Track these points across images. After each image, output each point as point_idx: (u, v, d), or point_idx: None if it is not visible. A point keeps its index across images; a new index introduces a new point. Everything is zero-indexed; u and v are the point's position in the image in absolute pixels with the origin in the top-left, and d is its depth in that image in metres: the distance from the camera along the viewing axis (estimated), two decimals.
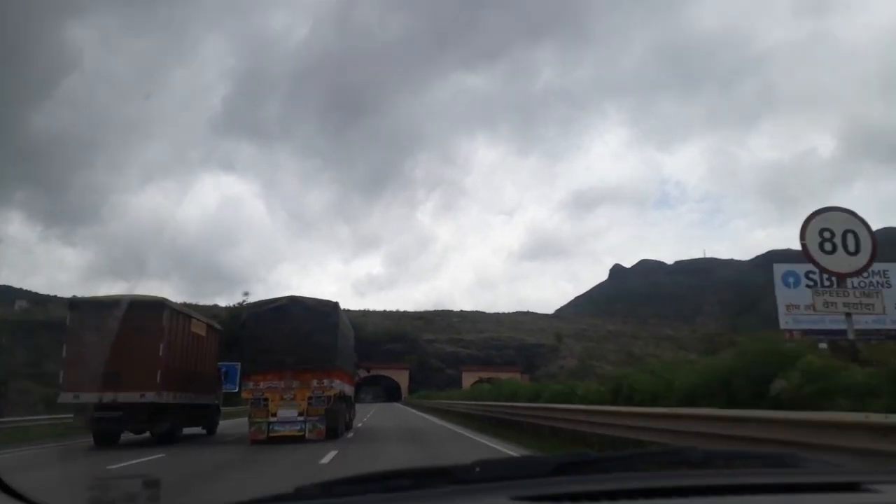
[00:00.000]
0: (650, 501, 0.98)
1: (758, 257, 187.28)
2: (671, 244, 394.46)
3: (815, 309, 8.63)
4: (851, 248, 8.39)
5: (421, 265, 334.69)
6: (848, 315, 8.28)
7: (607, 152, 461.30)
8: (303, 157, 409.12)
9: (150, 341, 14.10)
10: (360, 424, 24.47)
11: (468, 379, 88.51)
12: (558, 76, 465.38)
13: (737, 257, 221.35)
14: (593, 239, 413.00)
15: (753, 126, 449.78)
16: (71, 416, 15.49)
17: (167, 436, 14.65)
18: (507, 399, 20.89)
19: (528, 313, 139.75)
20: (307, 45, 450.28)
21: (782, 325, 31.02)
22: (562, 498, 1.00)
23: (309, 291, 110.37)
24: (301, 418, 14.58)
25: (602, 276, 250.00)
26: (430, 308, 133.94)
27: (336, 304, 15.71)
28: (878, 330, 21.56)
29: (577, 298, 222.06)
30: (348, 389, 19.23)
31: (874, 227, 8.83)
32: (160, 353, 14.20)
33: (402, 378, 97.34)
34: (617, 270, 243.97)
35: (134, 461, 11.15)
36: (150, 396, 13.93)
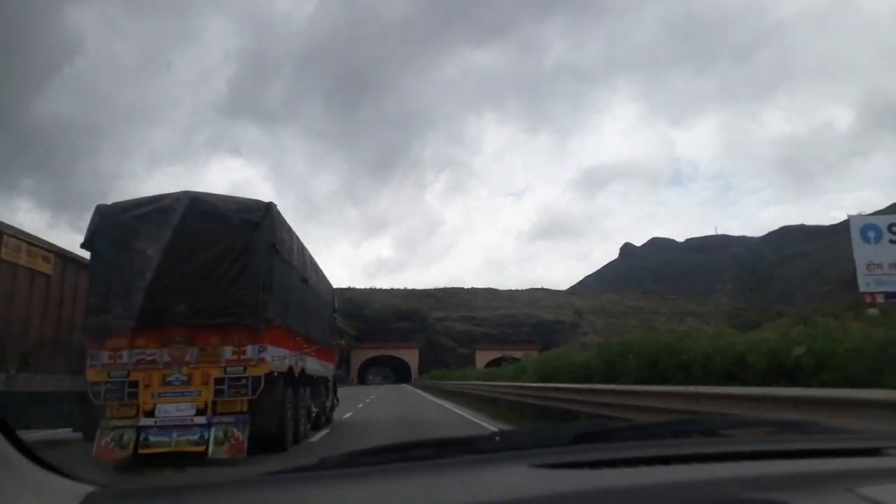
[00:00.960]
0: (667, 468, 0.99)
1: (770, 233, 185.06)
2: (682, 222, 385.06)
3: None
4: None
5: (430, 247, 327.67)
6: None
7: (619, 129, 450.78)
8: (310, 138, 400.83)
9: None
10: (347, 415, 18.07)
11: (482, 358, 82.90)
12: (569, 51, 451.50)
13: (749, 234, 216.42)
14: (604, 217, 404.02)
15: (768, 99, 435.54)
16: None
17: None
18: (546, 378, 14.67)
19: (543, 290, 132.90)
20: (312, 23, 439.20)
21: (862, 288, 25.74)
22: (581, 465, 1.01)
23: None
24: (201, 419, 7.71)
25: (612, 254, 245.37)
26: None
27: (269, 208, 8.58)
28: None
29: (586, 278, 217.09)
30: (320, 367, 12.43)
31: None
32: None
33: (411, 358, 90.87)
34: (628, 249, 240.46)
35: None
36: None
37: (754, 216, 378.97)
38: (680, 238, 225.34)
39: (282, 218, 9.03)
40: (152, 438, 7.54)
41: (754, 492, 0.86)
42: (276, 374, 8.47)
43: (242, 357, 7.96)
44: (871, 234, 27.13)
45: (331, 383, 14.41)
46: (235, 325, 8.01)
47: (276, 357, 8.54)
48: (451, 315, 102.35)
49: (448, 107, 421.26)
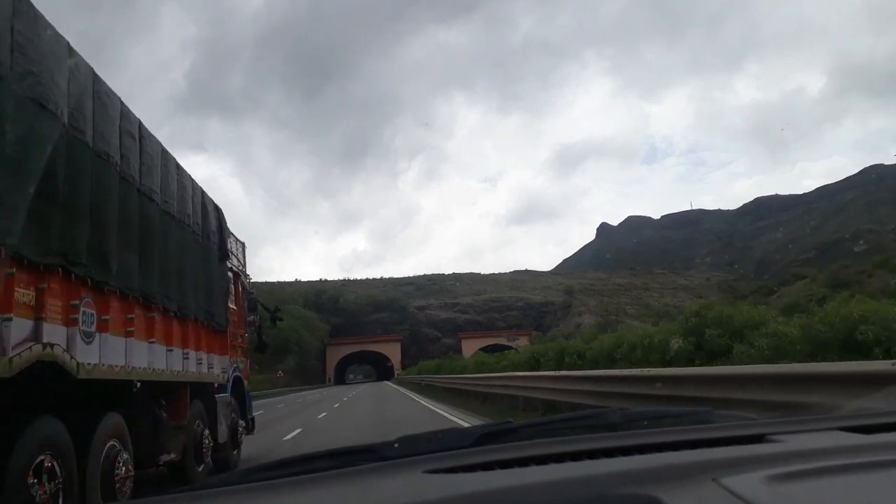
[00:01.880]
0: (560, 465, 1.01)
1: (745, 205, 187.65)
2: (657, 199, 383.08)
3: None
4: None
5: (406, 238, 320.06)
6: None
7: (590, 105, 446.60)
8: (274, 129, 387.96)
9: None
10: (290, 435, 12.28)
11: (469, 347, 76.60)
12: (537, 25, 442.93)
13: (724, 207, 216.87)
14: (579, 198, 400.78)
15: (739, 68, 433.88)
16: None
17: None
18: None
19: (527, 272, 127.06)
20: (268, 4, 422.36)
21: None
22: (475, 468, 1.02)
23: (293, 275, 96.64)
24: None
25: (589, 236, 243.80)
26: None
27: None
28: None
29: (565, 261, 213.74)
30: (187, 363, 5.65)
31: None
32: None
33: (393, 352, 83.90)
34: (604, 228, 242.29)
35: None
36: None
37: (728, 189, 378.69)
38: (656, 215, 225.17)
39: None
40: None
41: (625, 486, 0.88)
42: None
43: None
44: None
45: (227, 393, 7.50)
46: None
47: None
48: (432, 303, 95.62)
49: (417, 89, 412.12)
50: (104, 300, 4.32)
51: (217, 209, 7.46)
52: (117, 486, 4.33)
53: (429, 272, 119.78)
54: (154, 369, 5.11)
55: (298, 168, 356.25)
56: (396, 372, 75.66)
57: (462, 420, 13.11)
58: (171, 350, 5.55)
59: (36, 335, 3.45)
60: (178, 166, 6.15)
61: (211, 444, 6.73)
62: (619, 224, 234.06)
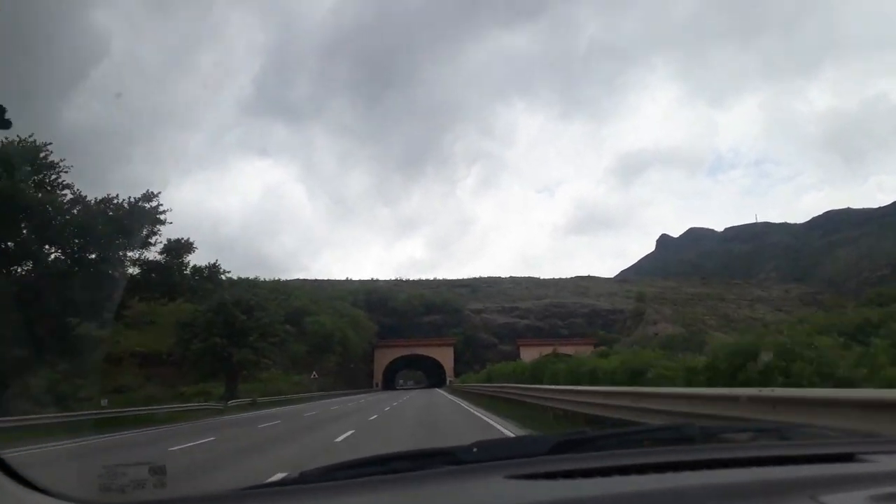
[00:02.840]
0: (640, 477, 1.01)
1: (814, 219, 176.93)
2: (720, 211, 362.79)
3: None
4: None
5: (463, 246, 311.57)
6: None
7: (655, 112, 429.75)
8: (338, 135, 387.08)
9: None
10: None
11: (528, 355, 69.19)
12: (603, 28, 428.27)
13: (790, 221, 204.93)
14: (640, 208, 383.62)
15: (815, 73, 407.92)
16: None
17: None
18: None
19: (590, 277, 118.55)
20: (334, 12, 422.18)
21: None
22: (556, 475, 1.03)
23: (344, 274, 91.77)
24: None
25: (649, 247, 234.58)
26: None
27: None
28: None
29: (623, 272, 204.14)
30: None
31: None
32: None
33: (445, 357, 77.31)
34: (664, 240, 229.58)
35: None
36: None
37: (794, 203, 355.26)
38: (718, 228, 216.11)
39: None
40: None
41: (719, 501, 0.88)
42: None
43: None
44: None
45: None
46: None
47: None
48: (489, 306, 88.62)
49: (478, 96, 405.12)
50: None
51: None
52: None
53: (484, 276, 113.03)
54: None
55: (360, 174, 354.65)
56: (449, 379, 69.23)
57: None
58: None
59: None
60: None
61: None
62: (680, 236, 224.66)
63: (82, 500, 1.14)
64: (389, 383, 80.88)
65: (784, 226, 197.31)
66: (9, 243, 21.44)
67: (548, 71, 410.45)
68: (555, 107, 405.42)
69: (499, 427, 13.75)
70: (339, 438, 12.40)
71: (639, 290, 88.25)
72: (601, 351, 39.00)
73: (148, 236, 23.30)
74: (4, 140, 20.41)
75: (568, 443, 1.30)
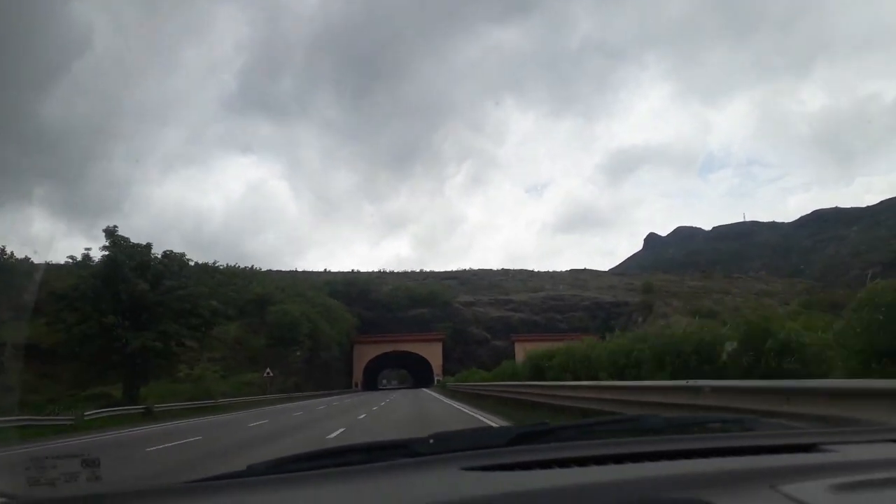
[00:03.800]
0: (599, 468, 1.00)
1: (803, 217, 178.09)
2: (709, 211, 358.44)
3: None
4: None
5: (451, 244, 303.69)
6: None
7: (648, 110, 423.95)
8: (323, 132, 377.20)
9: None
10: None
11: (523, 352, 61.82)
12: (596, 26, 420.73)
13: (778, 220, 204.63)
14: (628, 207, 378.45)
15: (807, 73, 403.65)
16: None
17: None
18: None
19: (587, 270, 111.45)
20: (321, 5, 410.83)
21: None
22: (513, 467, 1.02)
23: (334, 278, 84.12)
24: None
25: (636, 246, 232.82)
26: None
27: None
28: None
29: (611, 269, 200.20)
30: None
31: None
32: None
33: (433, 354, 69.49)
34: (652, 239, 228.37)
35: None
36: None
37: (781, 203, 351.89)
38: (706, 227, 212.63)
39: None
40: None
41: (679, 491, 0.87)
42: None
43: None
44: None
45: None
46: None
47: None
48: (480, 299, 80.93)
49: (468, 93, 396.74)
50: None
51: None
52: None
53: (474, 268, 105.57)
54: None
55: (346, 172, 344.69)
56: (437, 377, 61.76)
57: None
58: None
59: None
60: None
61: None
62: (668, 235, 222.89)
63: (8, 494, 1.05)
64: (371, 383, 73.16)
65: (772, 225, 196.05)
66: None
67: (539, 68, 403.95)
68: (546, 104, 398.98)
69: None
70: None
71: (645, 282, 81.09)
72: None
73: None
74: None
75: (528, 434, 1.28)
